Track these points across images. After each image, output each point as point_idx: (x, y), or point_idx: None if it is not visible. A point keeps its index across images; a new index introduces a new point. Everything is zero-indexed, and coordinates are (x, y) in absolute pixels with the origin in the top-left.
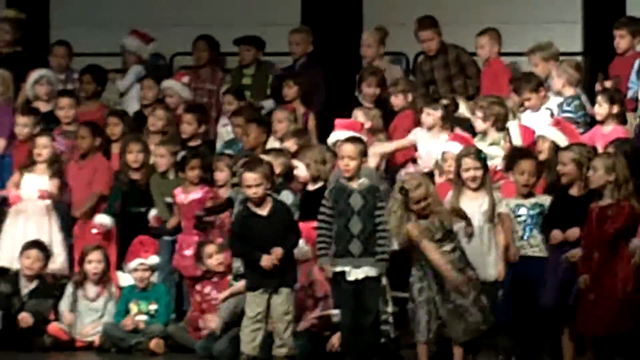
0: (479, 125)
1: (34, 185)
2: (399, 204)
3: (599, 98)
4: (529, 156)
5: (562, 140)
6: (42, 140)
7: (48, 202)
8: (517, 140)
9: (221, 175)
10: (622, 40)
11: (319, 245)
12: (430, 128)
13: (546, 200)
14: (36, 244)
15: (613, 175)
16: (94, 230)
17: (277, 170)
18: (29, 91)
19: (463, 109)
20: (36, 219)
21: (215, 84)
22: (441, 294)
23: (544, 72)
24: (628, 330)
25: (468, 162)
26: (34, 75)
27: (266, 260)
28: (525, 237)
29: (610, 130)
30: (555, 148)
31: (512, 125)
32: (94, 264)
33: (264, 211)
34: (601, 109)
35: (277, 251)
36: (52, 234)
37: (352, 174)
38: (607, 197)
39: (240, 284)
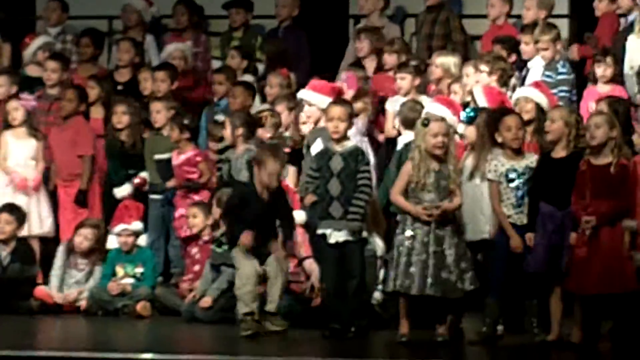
0: (484, 79)
1: (21, 154)
2: (418, 143)
3: (608, 60)
4: (512, 112)
5: (544, 102)
6: (13, 104)
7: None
8: (483, 103)
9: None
10: (599, 3)
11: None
12: (405, 93)
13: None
14: (6, 207)
15: (615, 131)
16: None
17: (270, 132)
18: (29, 55)
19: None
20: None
21: (199, 46)
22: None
23: (531, 18)
24: (620, 292)
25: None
26: (38, 41)
27: (244, 238)
28: (519, 205)
29: (608, 89)
30: (540, 109)
31: (476, 89)
32: (81, 238)
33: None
34: (608, 70)
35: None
36: (40, 199)
37: (341, 136)
38: (607, 154)
39: None
